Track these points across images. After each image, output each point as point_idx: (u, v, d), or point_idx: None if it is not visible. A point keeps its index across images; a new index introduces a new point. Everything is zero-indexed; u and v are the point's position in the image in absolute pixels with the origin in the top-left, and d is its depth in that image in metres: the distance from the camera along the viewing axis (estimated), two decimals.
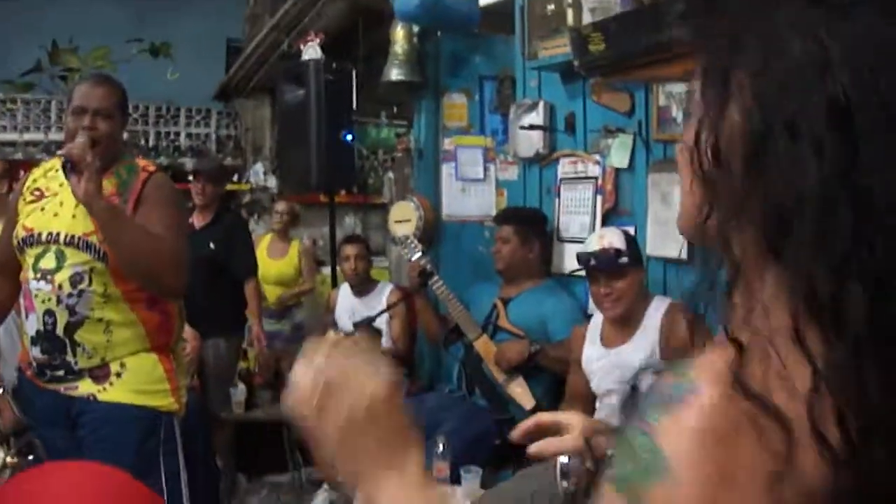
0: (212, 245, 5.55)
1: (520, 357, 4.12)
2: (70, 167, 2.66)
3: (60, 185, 2.92)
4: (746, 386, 0.73)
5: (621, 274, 3.46)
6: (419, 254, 4.60)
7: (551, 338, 4.23)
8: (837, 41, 0.78)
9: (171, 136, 9.20)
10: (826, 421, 0.71)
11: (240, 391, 5.98)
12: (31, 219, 2.94)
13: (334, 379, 1.01)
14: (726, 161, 0.83)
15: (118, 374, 2.88)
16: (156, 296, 2.92)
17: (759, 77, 0.81)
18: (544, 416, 1.80)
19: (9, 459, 2.44)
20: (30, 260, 2.90)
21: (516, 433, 1.78)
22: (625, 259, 3.47)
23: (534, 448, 1.72)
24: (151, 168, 3.06)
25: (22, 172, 2.98)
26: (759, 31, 0.83)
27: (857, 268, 0.74)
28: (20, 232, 2.95)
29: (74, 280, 2.82)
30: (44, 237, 2.88)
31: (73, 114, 2.93)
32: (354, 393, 1.00)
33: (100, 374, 2.86)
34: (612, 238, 3.54)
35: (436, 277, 4.49)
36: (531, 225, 4.53)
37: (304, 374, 1.02)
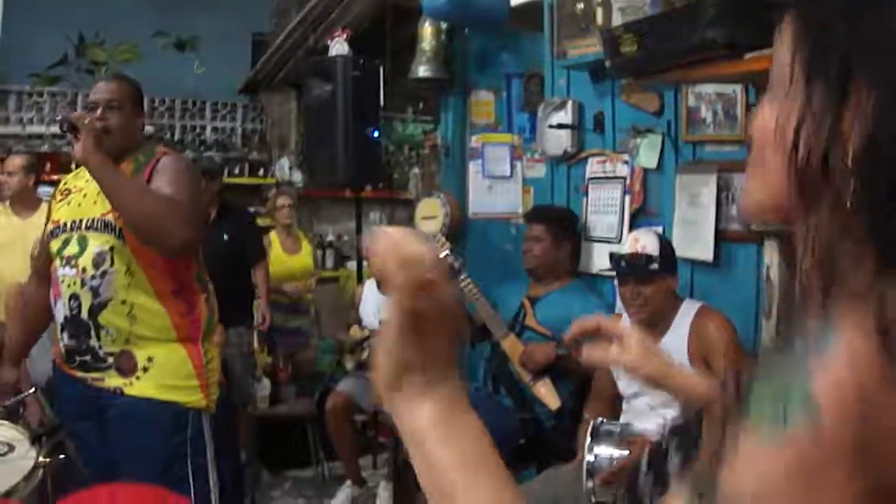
0: (226, 237, 5.73)
1: (546, 360, 4.15)
2: (69, 128, 2.83)
3: (87, 181, 3.01)
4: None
5: (650, 280, 3.46)
6: (446, 251, 4.61)
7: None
8: None
9: (197, 130, 9.26)
10: None
11: (264, 386, 6.06)
12: (59, 213, 3.07)
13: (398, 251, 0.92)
14: (835, 174, 0.78)
15: (145, 369, 2.91)
16: (180, 283, 2.97)
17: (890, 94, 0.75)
18: (605, 322, 1.76)
19: (41, 459, 2.47)
20: (56, 249, 3.01)
21: (571, 331, 1.77)
22: (655, 266, 3.46)
23: (587, 354, 1.70)
24: (169, 151, 3.19)
25: (48, 165, 3.04)
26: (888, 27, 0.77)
27: None
28: (49, 227, 3.07)
29: (97, 261, 2.90)
30: (68, 226, 3.00)
31: (87, 109, 3.09)
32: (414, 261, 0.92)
33: (126, 367, 2.89)
34: (646, 242, 3.53)
35: (463, 275, 4.51)
36: (563, 224, 4.53)
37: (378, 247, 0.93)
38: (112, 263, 2.88)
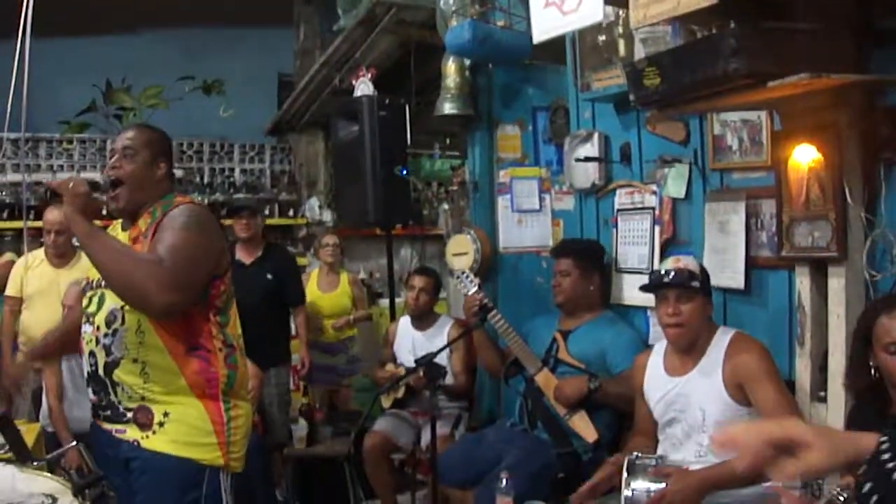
0: (269, 276, 5.85)
1: (579, 394, 4.18)
2: (51, 195, 2.88)
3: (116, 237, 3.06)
4: None
5: (691, 297, 3.48)
6: (475, 288, 4.65)
7: (611, 369, 4.27)
8: None
9: (226, 172, 9.37)
10: None
11: (301, 427, 6.12)
12: (91, 270, 3.07)
13: None
14: None
15: (161, 423, 2.88)
16: (195, 341, 2.92)
17: None
18: (771, 429, 1.57)
19: None
20: (83, 306, 3.06)
21: (721, 439, 1.60)
22: (696, 283, 3.49)
23: (775, 474, 1.54)
24: (186, 201, 3.05)
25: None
26: None
27: None
28: (83, 283, 3.16)
29: (109, 320, 2.89)
30: (94, 283, 3.03)
31: (108, 155, 3.15)
32: None
33: (144, 420, 2.88)
34: (687, 262, 3.57)
35: (494, 311, 4.55)
36: (590, 257, 4.58)
37: None
38: (123, 322, 2.88)
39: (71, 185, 2.82)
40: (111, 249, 2.77)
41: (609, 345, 4.33)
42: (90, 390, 2.98)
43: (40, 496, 2.65)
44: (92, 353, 2.94)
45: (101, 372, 2.91)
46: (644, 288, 3.71)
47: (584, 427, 4.21)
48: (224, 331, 3.00)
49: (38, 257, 5.84)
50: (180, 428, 2.88)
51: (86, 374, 3.00)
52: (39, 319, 5.57)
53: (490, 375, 5.22)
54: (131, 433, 2.89)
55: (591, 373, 4.24)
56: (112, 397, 2.90)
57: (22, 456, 2.90)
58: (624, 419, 4.27)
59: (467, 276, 4.71)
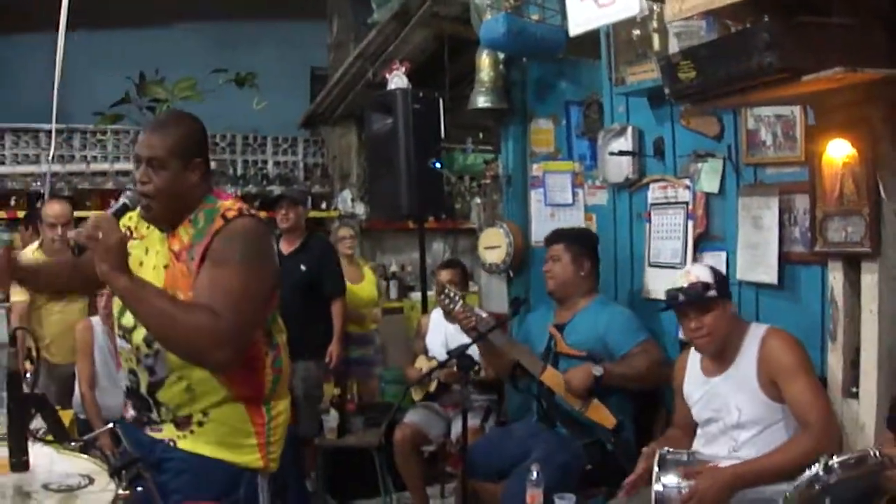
0: (303, 268, 5.88)
1: (586, 384, 4.20)
2: (79, 251, 2.58)
3: (147, 227, 2.92)
4: None
5: (709, 308, 3.48)
6: (460, 304, 4.61)
7: (613, 352, 4.32)
8: None
9: (259, 165, 9.46)
10: None
11: (332, 418, 6.18)
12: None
13: None
14: None
15: (200, 423, 2.79)
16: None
17: None
18: None
19: (120, 492, 2.51)
20: (117, 310, 2.92)
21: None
22: (713, 292, 3.49)
23: None
24: (232, 212, 2.78)
25: (112, 201, 2.91)
26: None
27: None
28: None
29: (149, 339, 2.74)
30: None
31: (133, 160, 2.84)
32: None
33: (182, 420, 2.81)
34: (698, 273, 3.57)
35: (490, 324, 4.49)
36: (581, 243, 4.62)
37: None
38: None
39: (101, 235, 2.51)
40: (161, 312, 2.55)
41: (606, 328, 4.36)
42: (129, 404, 2.91)
43: (77, 476, 2.68)
44: (132, 371, 2.84)
45: (143, 391, 2.82)
46: (664, 309, 3.74)
47: (600, 415, 4.23)
48: (271, 335, 2.88)
49: (33, 253, 5.65)
50: (220, 429, 2.78)
51: (124, 387, 2.93)
52: (67, 319, 5.62)
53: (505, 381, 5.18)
54: (168, 432, 2.81)
55: (594, 357, 4.27)
56: (153, 415, 2.82)
57: (59, 437, 2.93)
58: (638, 399, 4.35)
59: (453, 294, 4.69)
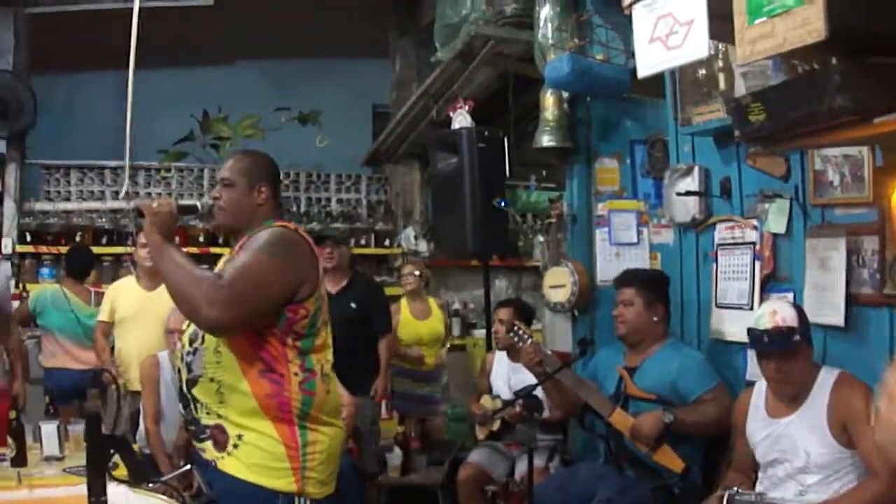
0: (353, 305, 5.99)
1: (656, 432, 4.20)
2: (139, 213, 3.04)
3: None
4: None
5: (794, 354, 3.48)
6: (530, 340, 4.70)
7: (684, 396, 4.31)
8: None
9: (322, 202, 9.63)
10: None
11: (396, 455, 6.25)
12: None
13: None
14: None
15: (235, 445, 2.94)
16: (269, 364, 2.97)
17: None
18: None
19: None
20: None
21: None
22: (797, 338, 3.47)
23: None
24: (278, 225, 3.13)
25: (177, 239, 3.20)
26: None
27: None
28: None
29: (192, 337, 3.04)
30: None
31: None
32: None
33: (220, 440, 2.97)
34: (784, 314, 3.52)
35: (556, 366, 4.55)
36: (655, 287, 4.62)
37: None
38: (203, 341, 3.00)
39: (155, 203, 3.04)
40: (175, 263, 2.92)
41: (678, 373, 4.34)
42: (181, 404, 3.16)
43: None
44: (179, 370, 3.12)
45: (184, 387, 3.07)
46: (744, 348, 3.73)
47: (668, 459, 4.22)
48: (306, 356, 3.03)
49: (129, 282, 6.21)
50: (253, 452, 2.93)
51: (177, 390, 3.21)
52: (134, 343, 5.89)
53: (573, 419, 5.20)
54: (210, 453, 2.97)
55: (665, 402, 4.26)
56: (194, 413, 3.03)
57: (138, 477, 3.01)
58: (710, 443, 4.32)
59: (522, 332, 4.77)
